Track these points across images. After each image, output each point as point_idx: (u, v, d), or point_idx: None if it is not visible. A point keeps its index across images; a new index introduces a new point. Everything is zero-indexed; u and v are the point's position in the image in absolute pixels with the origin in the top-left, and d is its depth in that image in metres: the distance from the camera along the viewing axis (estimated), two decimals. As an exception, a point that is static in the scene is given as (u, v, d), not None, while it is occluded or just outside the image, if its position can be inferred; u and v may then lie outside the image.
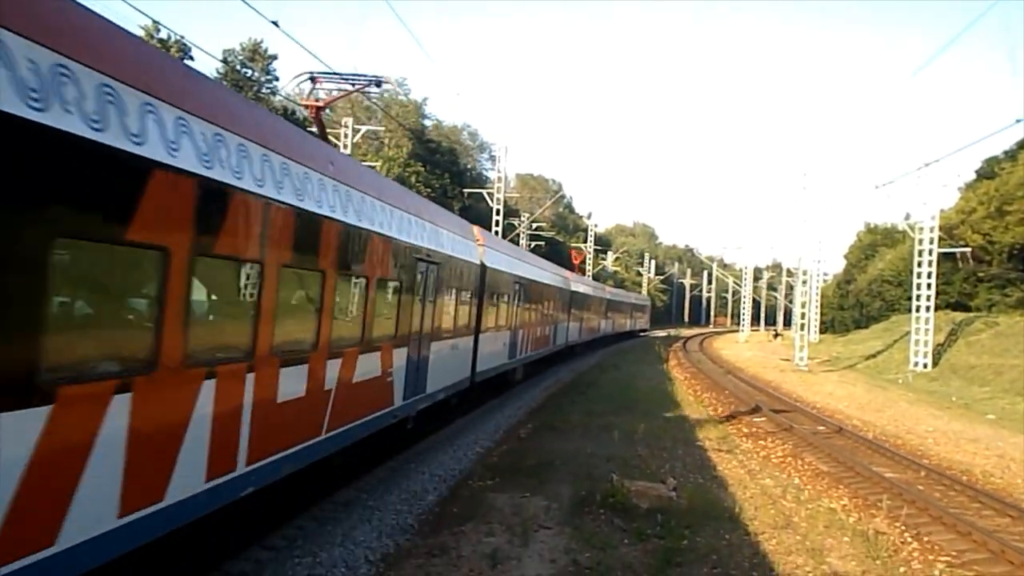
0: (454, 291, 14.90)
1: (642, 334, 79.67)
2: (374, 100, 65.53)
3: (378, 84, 15.77)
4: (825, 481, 14.82)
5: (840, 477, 15.21)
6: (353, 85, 15.27)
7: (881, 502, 12.84)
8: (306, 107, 15.48)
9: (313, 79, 14.62)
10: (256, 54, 57.76)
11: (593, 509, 10.60)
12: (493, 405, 21.29)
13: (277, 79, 59.27)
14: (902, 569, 9.57)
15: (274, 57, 58.63)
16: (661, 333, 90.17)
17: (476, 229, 18.33)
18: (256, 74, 57.99)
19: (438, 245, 13.39)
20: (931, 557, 10.39)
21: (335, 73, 15.27)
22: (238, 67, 56.24)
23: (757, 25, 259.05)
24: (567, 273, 36.55)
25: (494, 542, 9.05)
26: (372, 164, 36.85)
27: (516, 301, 21.88)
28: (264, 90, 57.44)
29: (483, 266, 17.53)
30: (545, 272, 28.40)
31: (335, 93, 15.63)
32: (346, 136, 37.01)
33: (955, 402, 29.76)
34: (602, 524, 10.07)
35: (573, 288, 34.89)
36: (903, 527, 11.64)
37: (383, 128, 60.37)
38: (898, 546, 10.67)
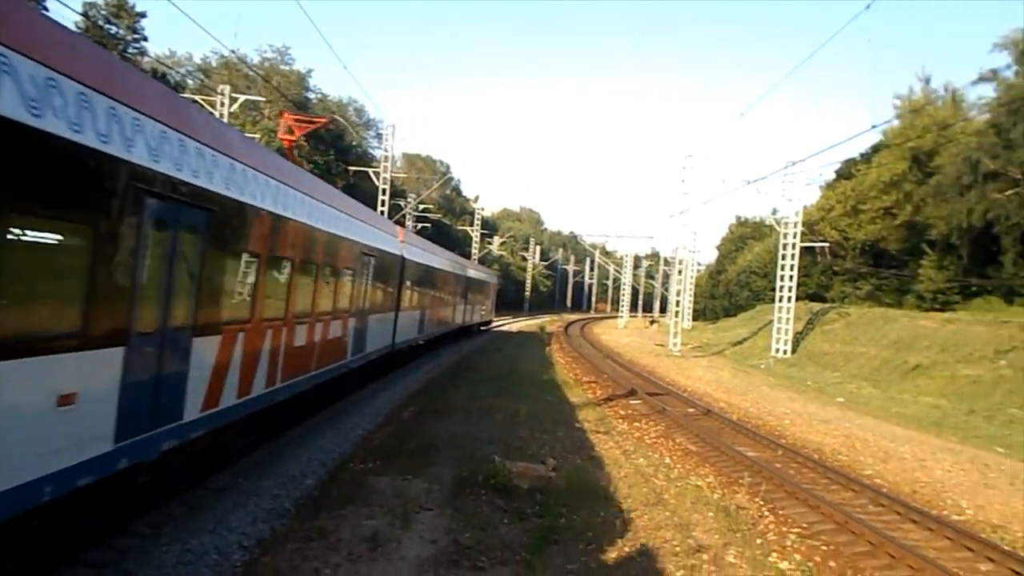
0: None
1: (483, 329, 53.31)
2: (254, 68, 63.31)
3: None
4: (693, 460, 15.63)
5: (707, 456, 16.08)
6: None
7: (743, 479, 13.68)
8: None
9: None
10: (122, 10, 54.33)
11: (475, 490, 10.81)
12: (375, 388, 21.24)
13: (146, 39, 56.15)
14: (759, 541, 10.25)
15: (142, 15, 55.24)
16: (529, 322, 74.71)
17: None
18: (121, 32, 54.60)
19: None
20: (784, 529, 11.19)
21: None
22: (101, 23, 52.86)
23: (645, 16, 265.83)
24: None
25: (374, 525, 9.11)
26: (252, 135, 35.56)
27: None
28: (131, 49, 54.33)
29: None
30: None
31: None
32: (223, 105, 35.61)
33: (810, 386, 31.82)
34: (483, 505, 10.29)
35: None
36: (761, 502, 12.48)
37: (263, 99, 58.33)
38: (756, 520, 11.43)
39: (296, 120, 18.53)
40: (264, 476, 11.16)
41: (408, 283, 23.49)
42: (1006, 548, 10.90)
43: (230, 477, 10.94)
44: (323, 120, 21.72)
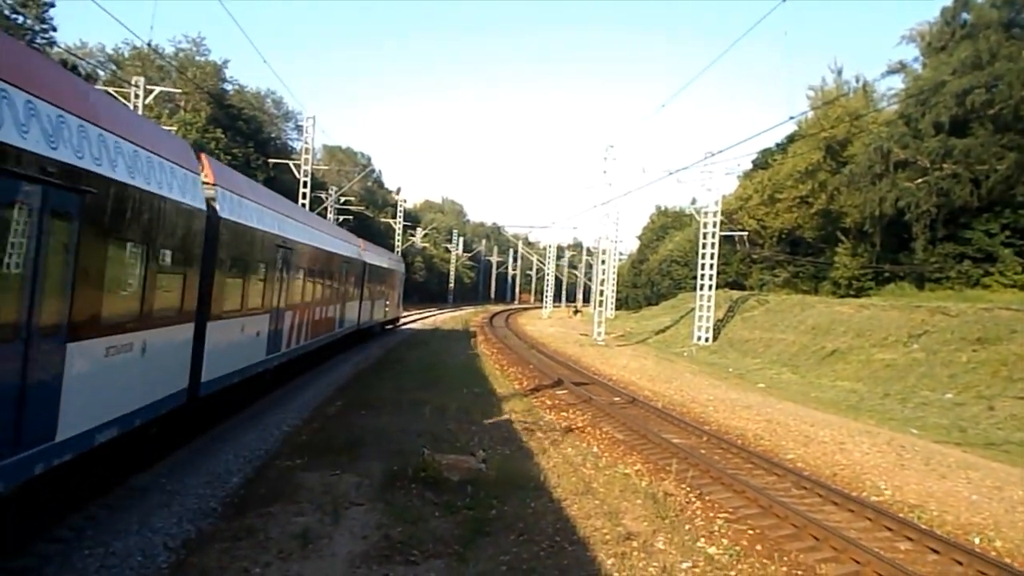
0: None
1: (388, 328, 44.14)
2: (169, 60, 61.30)
3: None
4: (621, 448, 15.80)
5: (634, 444, 16.27)
6: None
7: (670, 466, 13.88)
8: None
9: None
10: (30, 0, 51.98)
11: (405, 484, 10.68)
12: (299, 383, 20.82)
13: (55, 29, 53.79)
14: (687, 527, 10.41)
15: (51, 4, 52.97)
16: (454, 314, 71.45)
17: None
18: (30, 22, 52.23)
19: None
20: (711, 514, 11.40)
21: None
22: (7, 12, 50.44)
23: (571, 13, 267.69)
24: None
25: (304, 521, 8.91)
26: (169, 127, 34.39)
27: None
28: (39, 39, 51.99)
29: None
30: None
31: None
32: (137, 96, 34.37)
33: (731, 373, 32.58)
34: (414, 498, 10.18)
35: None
36: (688, 488, 12.69)
37: (179, 91, 56.56)
38: (684, 506, 11.62)
39: None
40: (188, 475, 10.81)
41: (230, 265, 13.30)
42: (923, 527, 11.34)
43: (152, 477, 10.57)
44: None
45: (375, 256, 35.53)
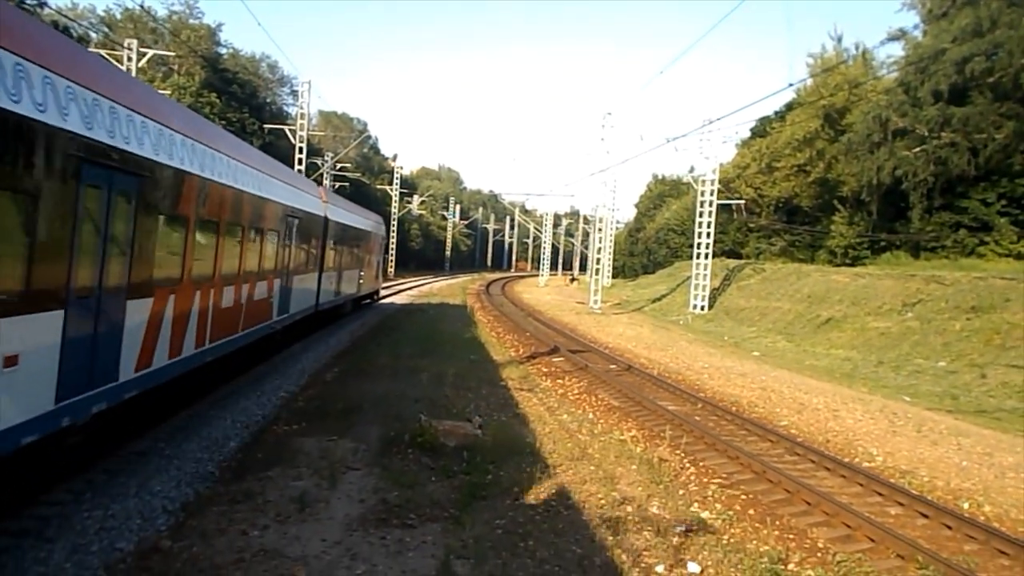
0: None
1: (367, 303, 36.86)
2: (162, 22, 60.57)
3: None
4: (616, 415, 15.92)
5: (629, 411, 16.39)
6: None
7: (664, 433, 14.00)
8: None
9: None
10: (20, -40, 51.17)
11: (402, 449, 10.77)
12: (297, 349, 20.87)
13: (46, -11, 52.98)
14: (681, 491, 10.54)
15: (42, -35, 52.22)
16: (451, 281, 74.66)
17: None
18: (20, -18, 51.48)
19: None
20: (705, 480, 11.54)
21: None
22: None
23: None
24: None
25: (302, 485, 8.99)
26: (163, 91, 34.04)
27: None
28: (29, 1, 51.28)
29: None
30: None
31: None
32: (130, 60, 33.94)
33: (727, 341, 32.72)
34: (410, 463, 10.27)
35: None
36: (683, 454, 12.83)
37: (173, 54, 55.90)
38: (678, 471, 11.76)
39: None
40: (186, 440, 10.88)
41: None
42: (914, 492, 11.50)
43: (151, 442, 10.64)
44: None
45: (344, 212, 27.73)
